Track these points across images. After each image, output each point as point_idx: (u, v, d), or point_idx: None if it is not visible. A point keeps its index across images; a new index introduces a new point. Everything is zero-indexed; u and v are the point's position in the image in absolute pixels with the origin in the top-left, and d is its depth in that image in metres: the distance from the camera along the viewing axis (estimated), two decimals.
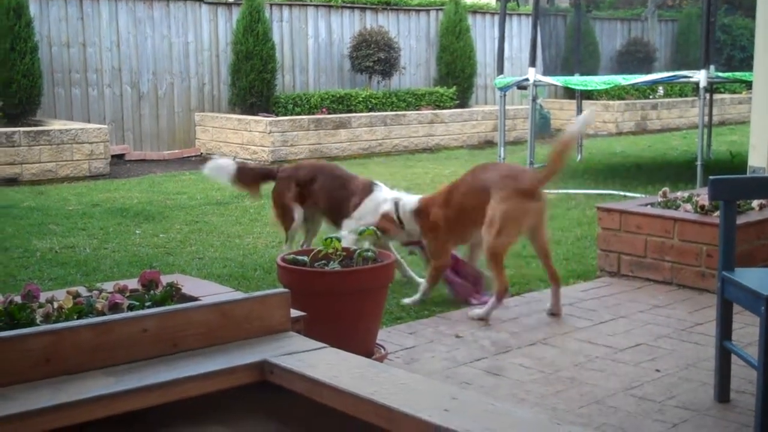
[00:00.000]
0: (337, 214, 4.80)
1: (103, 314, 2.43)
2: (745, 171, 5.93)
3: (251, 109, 10.99)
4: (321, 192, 4.88)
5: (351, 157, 10.80)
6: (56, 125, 9.37)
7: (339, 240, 3.59)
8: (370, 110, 11.53)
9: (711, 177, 3.15)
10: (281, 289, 2.08)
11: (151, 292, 2.73)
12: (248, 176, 5.17)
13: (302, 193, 4.92)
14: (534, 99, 8.84)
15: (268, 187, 5.16)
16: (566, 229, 6.32)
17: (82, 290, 2.71)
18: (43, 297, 2.61)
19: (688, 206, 4.84)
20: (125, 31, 10.65)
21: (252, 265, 5.26)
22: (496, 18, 12.77)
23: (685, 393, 3.30)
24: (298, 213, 4.92)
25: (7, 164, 8.65)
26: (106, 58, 10.56)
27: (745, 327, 3.94)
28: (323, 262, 3.55)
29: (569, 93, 13.37)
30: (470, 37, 13.01)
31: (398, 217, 4.46)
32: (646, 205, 5.08)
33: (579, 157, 10.35)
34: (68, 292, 2.63)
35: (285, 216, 4.96)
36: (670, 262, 4.77)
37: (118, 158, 10.29)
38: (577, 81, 9.22)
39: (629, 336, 3.99)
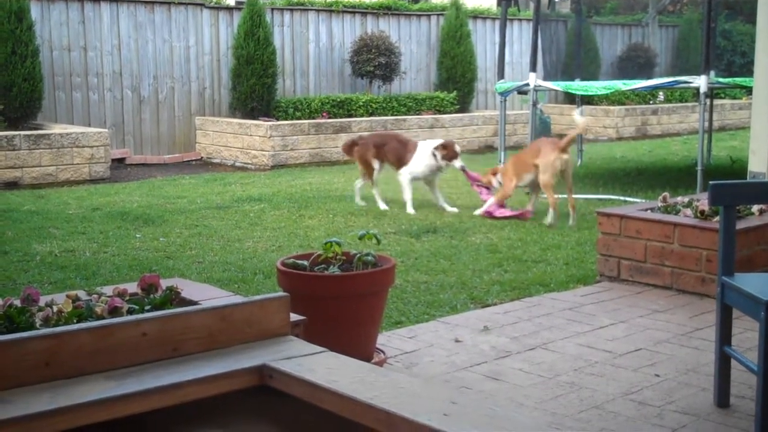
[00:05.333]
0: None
1: (103, 318, 2.43)
2: (746, 176, 5.93)
3: (252, 114, 11.00)
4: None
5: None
6: (57, 129, 9.37)
7: (339, 244, 3.60)
8: (371, 115, 11.54)
9: (711, 182, 3.15)
10: (281, 293, 2.07)
11: (151, 296, 2.73)
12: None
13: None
14: (534, 104, 8.84)
15: None
16: (566, 233, 6.32)
17: (82, 294, 2.71)
18: (43, 301, 2.61)
19: (688, 211, 4.84)
20: (126, 35, 10.66)
21: (252, 269, 5.26)
22: (497, 23, 12.80)
23: (684, 398, 3.30)
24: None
25: (7, 168, 8.66)
26: (107, 62, 10.57)
27: (745, 332, 3.94)
28: (323, 266, 3.55)
29: (570, 98, 13.39)
30: (471, 42, 13.03)
31: None
32: (646, 210, 5.08)
33: (579, 161, 10.35)
34: (68, 296, 2.63)
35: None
36: (670, 267, 4.77)
37: (118, 162, 10.30)
38: (578, 86, 9.23)
39: (629, 341, 3.99)
